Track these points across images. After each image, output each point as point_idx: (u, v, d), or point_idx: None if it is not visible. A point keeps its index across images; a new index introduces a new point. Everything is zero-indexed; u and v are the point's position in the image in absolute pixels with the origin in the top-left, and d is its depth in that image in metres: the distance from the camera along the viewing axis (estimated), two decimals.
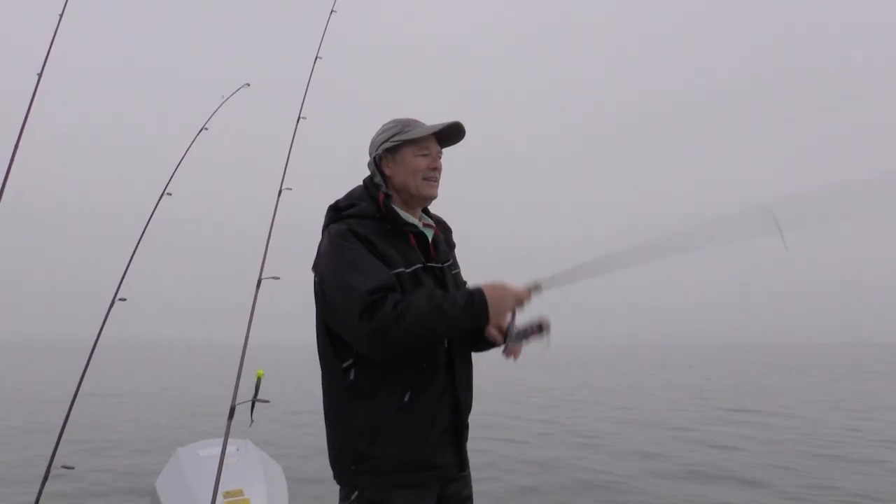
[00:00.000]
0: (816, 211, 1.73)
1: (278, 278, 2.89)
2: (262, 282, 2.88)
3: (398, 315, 1.87)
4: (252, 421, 2.63)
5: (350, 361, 2.02)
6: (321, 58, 3.47)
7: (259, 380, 2.66)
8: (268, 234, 2.97)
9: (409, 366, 2.00)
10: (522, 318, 2.07)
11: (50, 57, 3.28)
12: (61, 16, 3.44)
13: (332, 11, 3.57)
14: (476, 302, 1.94)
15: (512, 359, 2.10)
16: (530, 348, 2.09)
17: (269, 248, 2.94)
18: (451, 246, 2.36)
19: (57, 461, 2.99)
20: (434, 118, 2.15)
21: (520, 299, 2.00)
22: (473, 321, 1.96)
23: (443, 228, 2.33)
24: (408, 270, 2.04)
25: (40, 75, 3.26)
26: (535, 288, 2.02)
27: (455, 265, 2.32)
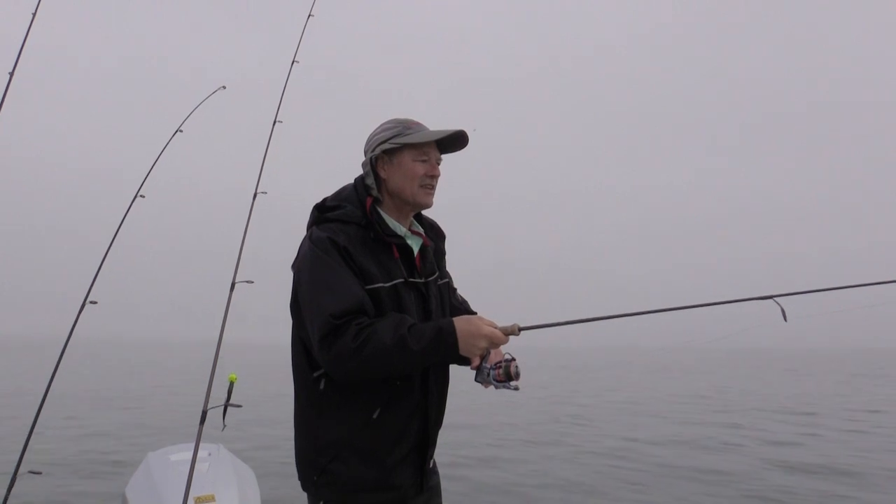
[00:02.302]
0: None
1: (252, 282, 2.88)
2: (236, 285, 2.87)
3: (358, 346, 1.79)
4: (224, 425, 2.61)
5: (321, 371, 1.95)
6: (298, 62, 3.46)
7: (232, 384, 2.64)
8: (242, 237, 2.96)
9: (383, 382, 1.93)
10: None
11: (23, 56, 3.24)
12: (34, 14, 3.40)
13: (309, 16, 3.56)
14: (444, 339, 1.84)
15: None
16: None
17: (243, 251, 2.93)
18: (441, 254, 2.26)
19: (24, 466, 2.94)
20: (420, 117, 2.07)
21: (494, 341, 1.90)
22: (439, 358, 1.89)
23: (435, 234, 2.24)
24: (387, 285, 1.95)
25: (12, 74, 3.22)
26: (513, 332, 1.93)
27: (445, 275, 2.24)
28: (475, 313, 2.27)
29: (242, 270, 2.87)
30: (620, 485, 7.98)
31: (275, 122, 3.34)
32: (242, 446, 9.01)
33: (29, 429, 3.05)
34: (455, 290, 2.31)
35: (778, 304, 1.97)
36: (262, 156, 3.24)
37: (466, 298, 2.41)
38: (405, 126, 2.05)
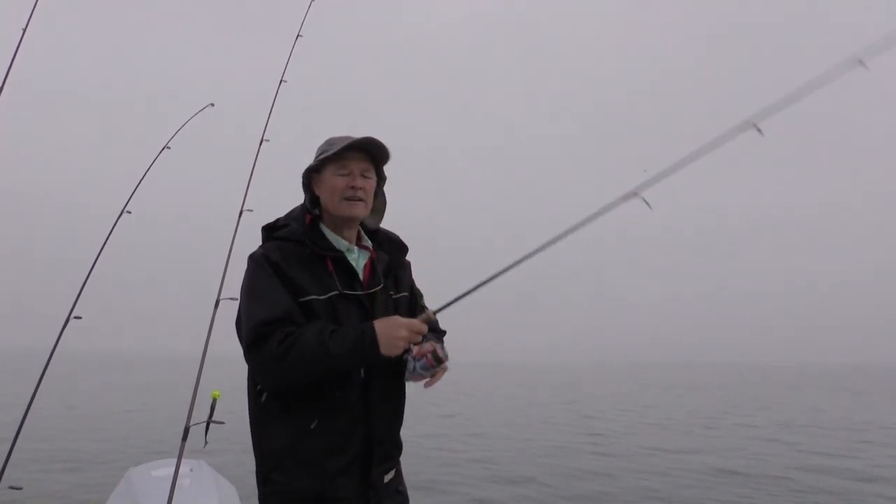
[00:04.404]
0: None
1: (237, 299, 2.89)
2: (221, 302, 2.88)
3: (282, 352, 1.84)
4: (206, 442, 2.62)
5: None
6: (286, 81, 3.50)
7: (215, 401, 2.65)
8: (227, 255, 2.98)
9: (320, 392, 1.96)
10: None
11: (12, 72, 3.25)
12: (24, 30, 3.42)
13: (297, 36, 3.61)
14: (366, 340, 1.89)
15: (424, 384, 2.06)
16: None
17: (228, 269, 2.95)
18: (401, 266, 2.27)
19: (4, 482, 2.94)
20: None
21: (413, 330, 1.94)
22: (363, 360, 1.93)
23: (395, 247, 2.25)
24: (321, 298, 1.99)
25: (1, 90, 3.23)
26: (428, 317, 2.00)
27: (404, 288, 2.25)
28: (444, 332, 2.31)
29: (227, 288, 2.89)
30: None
31: (262, 141, 3.38)
32: (224, 462, 8.94)
33: (10, 445, 3.05)
34: (423, 307, 2.28)
35: (640, 196, 2.00)
36: (249, 174, 3.27)
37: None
38: (329, 143, 2.10)
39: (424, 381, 2.06)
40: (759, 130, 1.98)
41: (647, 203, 1.99)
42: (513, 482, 9.30)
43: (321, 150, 2.11)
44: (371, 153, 2.12)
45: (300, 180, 2.18)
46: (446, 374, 2.08)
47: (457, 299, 2.00)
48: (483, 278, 2.00)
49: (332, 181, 2.08)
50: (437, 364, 2.00)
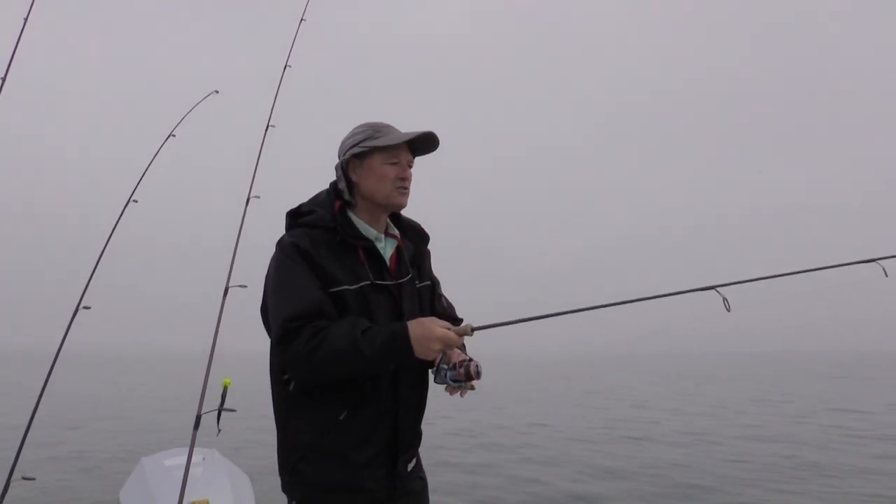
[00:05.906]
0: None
1: (246, 286, 2.87)
2: (230, 290, 2.86)
3: (311, 349, 1.80)
4: (219, 430, 2.61)
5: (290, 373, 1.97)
6: (290, 66, 3.47)
7: (225, 389, 2.64)
8: (235, 242, 2.96)
9: (350, 384, 1.92)
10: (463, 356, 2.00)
11: (14, 63, 3.23)
12: (26, 19, 3.39)
13: (301, 20, 3.57)
14: (397, 343, 1.84)
15: (458, 395, 2.04)
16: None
17: (236, 256, 2.93)
18: (423, 255, 2.24)
19: (17, 472, 2.94)
20: (410, 123, 2.02)
21: (448, 343, 1.88)
22: (394, 361, 1.89)
23: (417, 236, 2.23)
24: (353, 288, 1.95)
25: (3, 79, 3.21)
26: (465, 332, 1.93)
27: (426, 277, 2.23)
28: (461, 320, 2.25)
29: (236, 275, 2.87)
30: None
31: (268, 127, 3.35)
32: (237, 451, 8.99)
33: (22, 435, 3.05)
34: (441, 295, 2.28)
35: (720, 293, 1.95)
36: (256, 160, 3.25)
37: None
38: (375, 129, 2.05)
39: (446, 387, 2.03)
40: (884, 271, 1.99)
41: (727, 302, 1.92)
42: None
43: (365, 135, 2.05)
44: (414, 144, 2.09)
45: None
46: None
47: (501, 324, 1.97)
48: (534, 314, 1.98)
49: (382, 169, 2.03)
50: (466, 380, 1.97)
